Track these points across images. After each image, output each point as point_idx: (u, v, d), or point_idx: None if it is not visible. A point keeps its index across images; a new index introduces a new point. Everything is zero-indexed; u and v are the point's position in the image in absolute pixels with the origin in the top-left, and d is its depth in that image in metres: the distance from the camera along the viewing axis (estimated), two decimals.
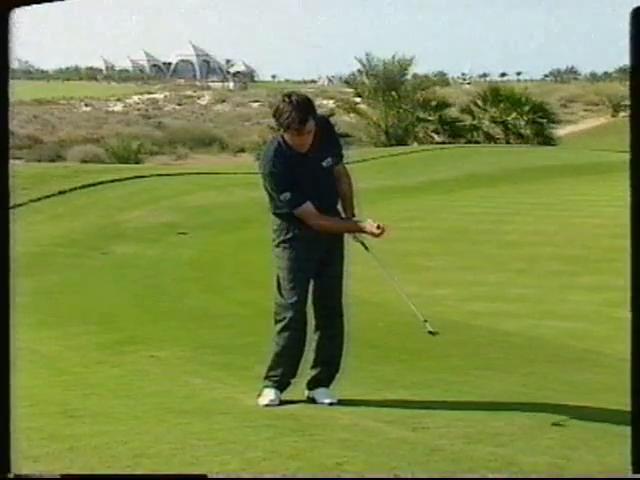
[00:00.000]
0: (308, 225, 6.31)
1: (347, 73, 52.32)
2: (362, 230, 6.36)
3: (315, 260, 6.37)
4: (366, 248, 6.54)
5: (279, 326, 6.38)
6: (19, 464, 2.82)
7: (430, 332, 6.40)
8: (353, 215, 6.50)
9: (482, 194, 23.94)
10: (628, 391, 2.58)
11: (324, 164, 6.37)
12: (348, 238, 6.53)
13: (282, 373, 6.39)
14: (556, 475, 4.67)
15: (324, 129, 6.43)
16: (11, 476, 2.62)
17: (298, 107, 6.15)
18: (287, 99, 6.18)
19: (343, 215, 6.48)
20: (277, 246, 6.44)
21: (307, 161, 6.32)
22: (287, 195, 6.30)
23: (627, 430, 2.64)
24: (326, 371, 6.45)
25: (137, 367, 8.20)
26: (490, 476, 4.61)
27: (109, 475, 4.49)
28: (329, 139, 6.45)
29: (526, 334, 10.08)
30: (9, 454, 2.61)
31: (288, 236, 6.38)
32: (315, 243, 6.34)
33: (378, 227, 6.29)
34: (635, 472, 2.52)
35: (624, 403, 2.74)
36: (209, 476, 3.45)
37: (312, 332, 6.44)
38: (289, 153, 6.30)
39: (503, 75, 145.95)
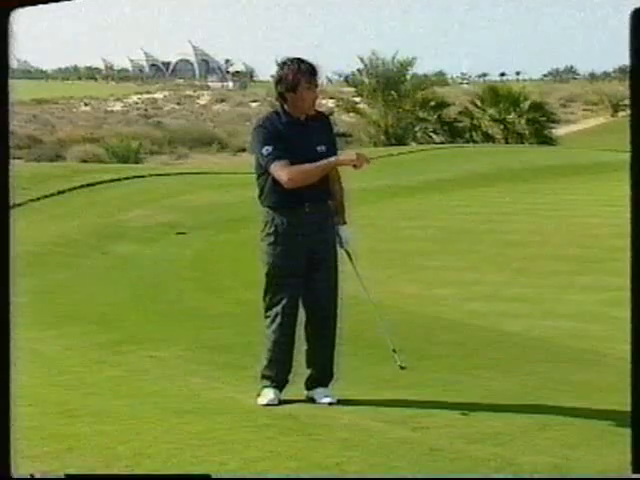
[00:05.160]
0: (292, 217, 6.18)
1: (347, 73, 52.19)
2: (341, 163, 6.18)
3: (300, 257, 6.25)
4: (350, 259, 6.48)
5: (267, 322, 6.35)
6: (19, 464, 2.82)
7: (401, 367, 6.39)
8: (344, 222, 6.45)
9: (481, 194, 23.93)
10: (628, 391, 2.58)
11: (318, 149, 6.24)
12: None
13: (277, 370, 6.36)
14: (556, 475, 4.67)
15: (327, 124, 6.45)
16: (12, 476, 2.62)
17: (305, 63, 6.21)
18: (289, 62, 6.21)
19: (336, 218, 6.40)
20: (262, 240, 6.35)
21: (301, 132, 6.22)
22: (269, 148, 6.14)
23: (627, 430, 2.64)
24: (322, 372, 6.43)
25: (136, 367, 8.19)
26: (490, 476, 4.61)
27: (112, 475, 4.49)
28: (329, 134, 6.41)
29: (526, 334, 10.08)
30: (9, 454, 2.61)
31: (270, 230, 6.28)
32: (298, 238, 6.22)
33: (357, 156, 6.12)
34: (635, 472, 2.52)
35: (624, 403, 2.74)
36: (213, 476, 3.45)
37: (303, 333, 6.41)
38: (285, 119, 6.24)
39: (502, 75, 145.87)
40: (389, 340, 6.42)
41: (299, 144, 6.22)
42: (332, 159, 6.18)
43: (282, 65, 6.25)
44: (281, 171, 6.14)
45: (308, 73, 6.17)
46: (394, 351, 6.42)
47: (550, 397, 6.77)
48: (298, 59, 6.28)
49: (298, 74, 6.15)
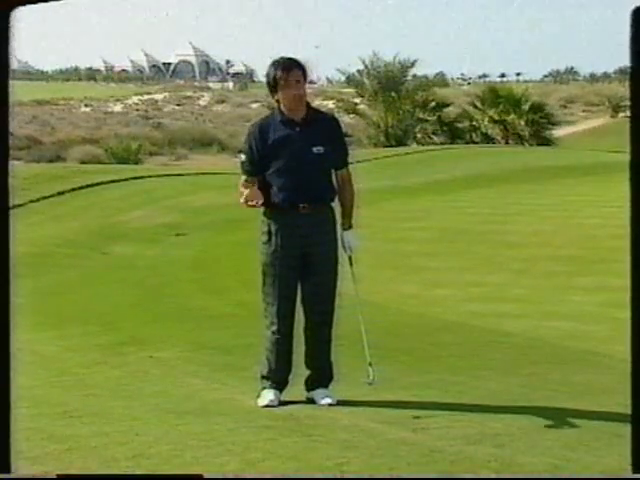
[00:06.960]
0: (286, 216, 6.21)
1: (349, 71, 52.22)
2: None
3: (294, 257, 6.25)
4: (351, 264, 6.48)
5: (266, 322, 6.36)
6: (19, 465, 2.82)
7: (369, 383, 6.36)
8: (350, 226, 6.46)
9: (481, 194, 23.93)
10: (628, 392, 2.58)
11: (314, 149, 6.22)
12: (340, 249, 6.43)
13: (276, 371, 6.36)
14: (556, 476, 4.67)
15: (330, 125, 6.40)
16: (12, 477, 2.62)
17: (282, 60, 6.24)
18: (271, 64, 6.26)
19: (340, 220, 6.43)
20: (259, 239, 6.38)
21: (295, 132, 6.22)
22: (242, 157, 6.34)
23: (627, 430, 2.64)
24: (321, 374, 6.43)
25: (136, 368, 8.19)
26: (489, 477, 4.60)
27: (108, 475, 4.49)
28: (333, 135, 6.36)
29: (526, 335, 10.08)
30: (9, 454, 2.61)
31: (265, 229, 6.31)
32: (292, 238, 6.23)
33: (247, 199, 6.15)
34: (635, 472, 2.53)
35: (624, 404, 2.74)
36: (206, 476, 3.45)
37: (302, 334, 6.42)
38: (279, 118, 6.27)
39: (502, 76, 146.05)
40: (367, 353, 6.41)
41: (290, 143, 6.22)
42: (242, 201, 6.24)
43: (268, 68, 6.28)
44: (240, 186, 6.30)
45: (286, 70, 6.17)
46: (370, 365, 6.41)
47: (550, 398, 6.77)
48: (280, 58, 6.28)
49: (277, 73, 6.18)
